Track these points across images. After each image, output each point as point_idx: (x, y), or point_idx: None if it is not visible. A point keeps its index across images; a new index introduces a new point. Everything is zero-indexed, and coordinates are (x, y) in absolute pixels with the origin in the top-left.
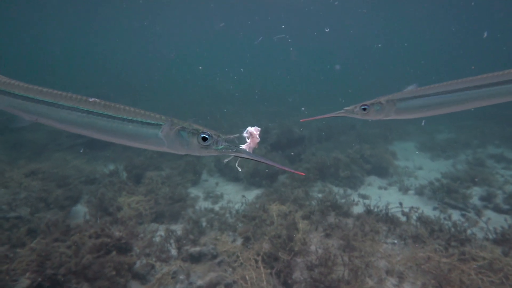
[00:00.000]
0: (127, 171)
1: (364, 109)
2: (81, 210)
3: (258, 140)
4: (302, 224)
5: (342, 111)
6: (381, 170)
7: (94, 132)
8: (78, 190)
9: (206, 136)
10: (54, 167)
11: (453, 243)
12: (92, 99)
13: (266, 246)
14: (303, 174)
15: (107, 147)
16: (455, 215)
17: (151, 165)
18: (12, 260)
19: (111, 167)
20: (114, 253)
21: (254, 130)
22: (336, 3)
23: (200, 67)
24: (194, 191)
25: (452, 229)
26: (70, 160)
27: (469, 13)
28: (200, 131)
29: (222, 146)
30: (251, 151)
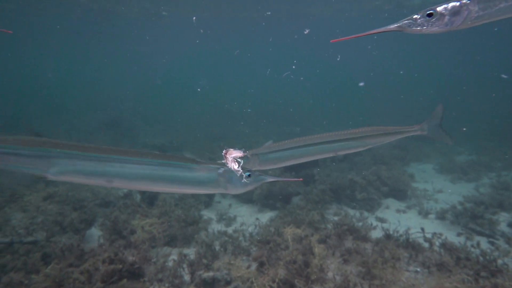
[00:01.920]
0: (141, 193)
1: None
2: (96, 233)
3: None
4: (318, 249)
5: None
6: (399, 193)
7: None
8: (93, 213)
9: (250, 174)
10: (71, 190)
11: (482, 274)
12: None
13: (281, 272)
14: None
15: None
16: (483, 243)
17: None
18: (27, 286)
19: (125, 189)
20: (125, 280)
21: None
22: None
23: (199, 89)
24: (207, 213)
25: (481, 258)
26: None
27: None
28: (246, 170)
29: (258, 179)
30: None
